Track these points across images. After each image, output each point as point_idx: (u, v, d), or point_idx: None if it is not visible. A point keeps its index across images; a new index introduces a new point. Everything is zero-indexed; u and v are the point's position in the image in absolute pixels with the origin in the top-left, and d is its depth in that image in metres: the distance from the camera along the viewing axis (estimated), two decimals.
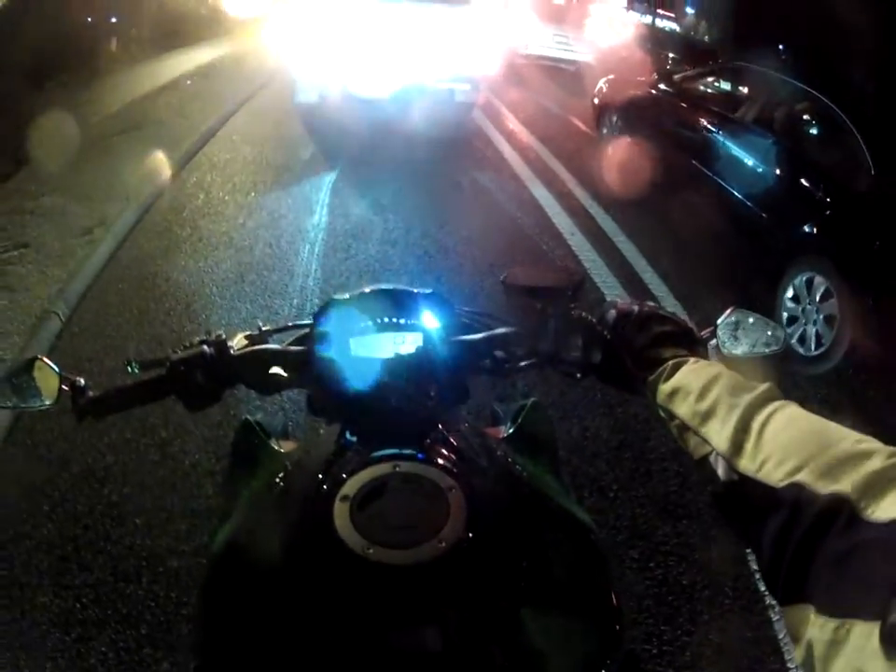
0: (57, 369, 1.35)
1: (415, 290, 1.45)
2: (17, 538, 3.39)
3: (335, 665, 1.09)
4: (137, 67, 14.32)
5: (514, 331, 1.45)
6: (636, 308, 1.29)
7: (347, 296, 1.43)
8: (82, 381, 1.36)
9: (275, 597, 1.18)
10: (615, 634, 1.26)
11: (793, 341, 5.31)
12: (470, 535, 1.11)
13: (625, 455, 4.03)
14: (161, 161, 8.42)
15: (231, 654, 1.20)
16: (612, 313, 1.30)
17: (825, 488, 0.75)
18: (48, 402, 1.36)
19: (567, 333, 1.37)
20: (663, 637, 3.00)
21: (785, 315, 5.50)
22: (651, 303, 1.34)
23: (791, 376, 5.04)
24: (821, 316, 5.13)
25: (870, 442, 0.80)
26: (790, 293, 5.49)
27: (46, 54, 10.45)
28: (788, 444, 0.86)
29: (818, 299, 5.18)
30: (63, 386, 1.34)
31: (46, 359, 1.36)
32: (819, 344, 5.12)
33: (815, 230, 5.47)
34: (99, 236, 6.39)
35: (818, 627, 0.68)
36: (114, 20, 15.50)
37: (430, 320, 1.41)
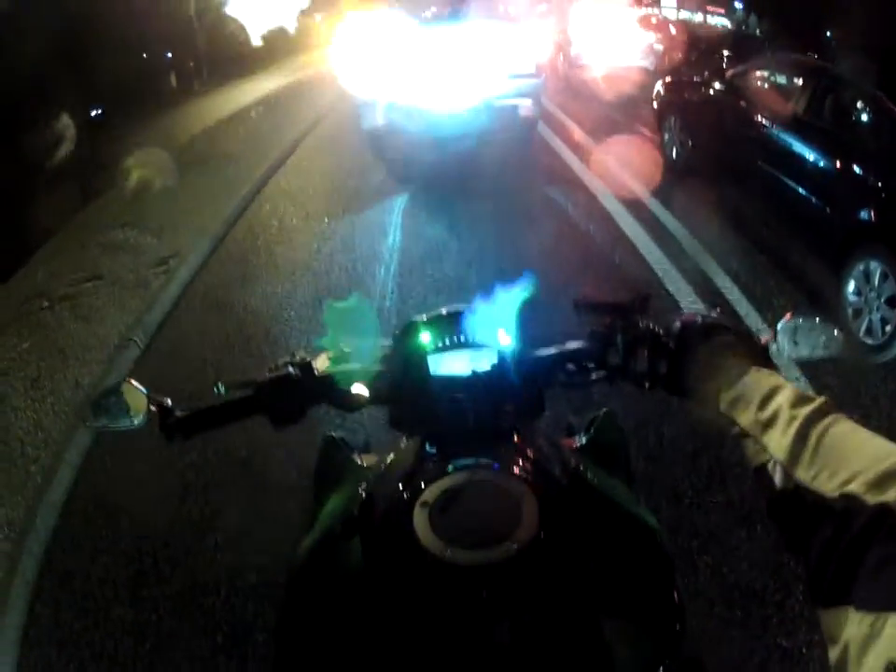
0: (145, 390, 1.41)
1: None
2: (94, 553, 3.43)
3: (413, 661, 1.15)
4: (200, 100, 14.62)
5: (584, 346, 1.49)
6: (699, 319, 1.33)
7: (425, 317, 1.49)
8: (169, 401, 1.41)
9: (357, 597, 1.25)
10: (675, 632, 1.29)
11: (861, 334, 5.28)
12: (541, 536, 1.15)
13: (701, 461, 3.97)
14: (232, 192, 8.54)
15: (313, 657, 1.26)
16: (677, 324, 1.34)
17: (873, 499, 0.80)
18: (136, 422, 1.42)
19: (634, 346, 1.40)
20: (732, 643, 2.99)
21: (850, 310, 5.45)
22: (715, 314, 1.39)
23: (863, 372, 4.95)
24: (882, 300, 5.10)
25: None
26: (851, 287, 5.45)
27: (108, 92, 10.60)
28: (842, 456, 0.90)
29: (876, 284, 5.15)
30: (151, 407, 1.40)
31: (133, 381, 1.43)
32: (884, 331, 5.09)
33: (870, 215, 5.41)
34: (174, 266, 6.44)
35: (855, 624, 0.73)
36: (169, 55, 15.75)
37: (504, 337, 1.46)
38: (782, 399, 1.04)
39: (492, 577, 1.12)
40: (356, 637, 1.20)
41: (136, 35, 12.77)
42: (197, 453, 3.97)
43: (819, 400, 1.01)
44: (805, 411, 0.99)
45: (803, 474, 0.92)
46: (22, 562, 3.37)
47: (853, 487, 0.83)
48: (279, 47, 23.33)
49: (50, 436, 4.16)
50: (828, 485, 0.87)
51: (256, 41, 22.28)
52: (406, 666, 1.15)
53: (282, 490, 3.68)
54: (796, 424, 0.97)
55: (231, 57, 18.70)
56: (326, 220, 7.91)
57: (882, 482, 0.81)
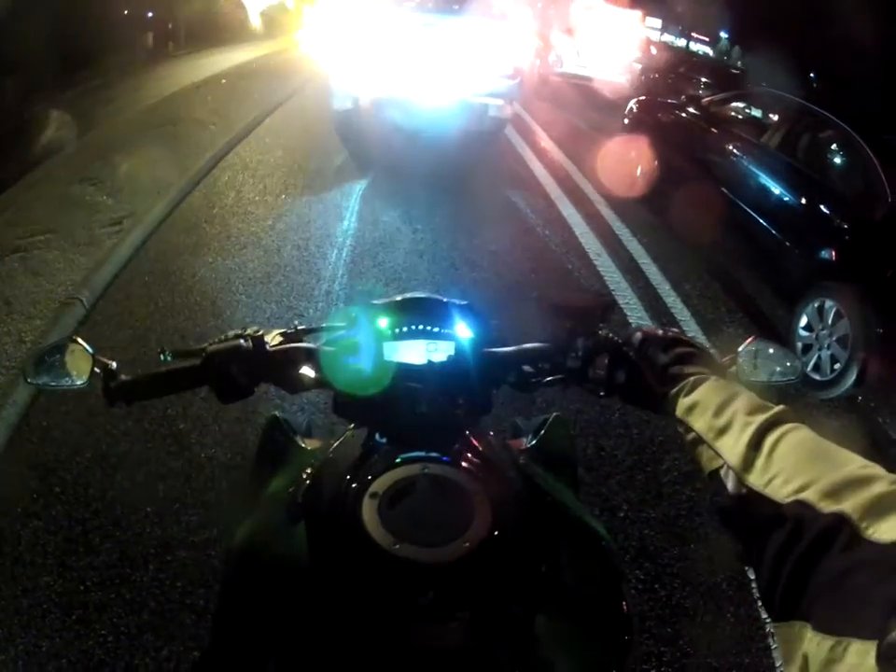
0: (91, 350, 1.36)
1: (451, 301, 1.48)
2: (25, 517, 3.38)
3: (356, 658, 1.11)
4: (173, 63, 14.44)
5: (544, 347, 1.47)
6: (660, 332, 1.33)
7: (383, 301, 1.46)
8: (115, 364, 1.36)
9: (300, 590, 1.21)
10: (623, 642, 1.28)
11: (808, 369, 5.35)
12: (494, 536, 1.13)
13: (638, 476, 4.00)
14: (193, 158, 8.48)
15: (253, 644, 1.21)
16: (638, 335, 1.33)
17: (828, 507, 0.78)
18: (79, 383, 1.37)
19: (594, 353, 1.40)
20: (662, 659, 3.00)
21: (800, 344, 5.56)
22: (676, 329, 1.37)
23: (808, 407, 5.08)
24: (834, 338, 5.18)
25: (874, 468, 0.82)
26: (803, 322, 5.57)
27: (82, 43, 10.46)
28: (796, 463, 0.88)
29: (829, 322, 5.25)
30: (96, 369, 1.35)
31: (81, 340, 1.37)
32: (832, 368, 5.16)
33: (831, 255, 5.53)
34: (128, 227, 6.40)
35: (814, 644, 0.69)
36: (150, 14, 15.62)
37: (463, 330, 1.44)
38: (739, 405, 1.04)
39: (443, 575, 1.09)
40: (298, 626, 1.18)
41: None
42: (133, 421, 3.96)
43: (778, 409, 1.01)
44: (761, 417, 0.98)
45: (755, 480, 0.90)
46: None
47: (807, 495, 0.81)
48: (270, 21, 23.33)
49: None
50: (781, 492, 0.85)
51: (255, 17, 22.38)
52: (348, 660, 1.13)
53: (216, 466, 3.73)
54: (750, 429, 0.96)
55: (213, 24, 18.59)
56: (283, 196, 7.89)
57: (837, 490, 0.79)
